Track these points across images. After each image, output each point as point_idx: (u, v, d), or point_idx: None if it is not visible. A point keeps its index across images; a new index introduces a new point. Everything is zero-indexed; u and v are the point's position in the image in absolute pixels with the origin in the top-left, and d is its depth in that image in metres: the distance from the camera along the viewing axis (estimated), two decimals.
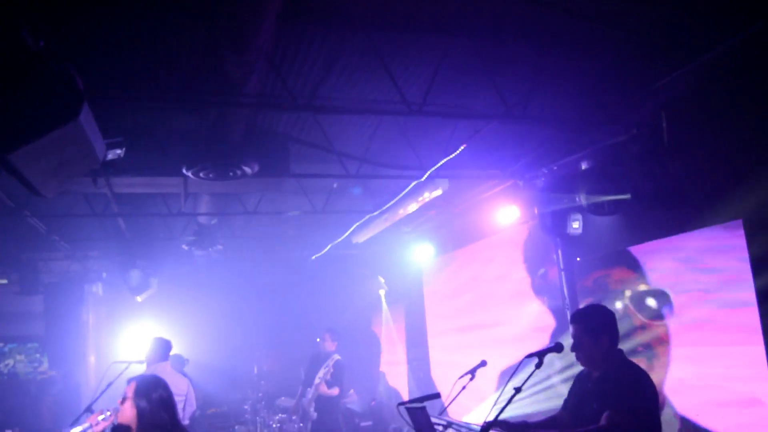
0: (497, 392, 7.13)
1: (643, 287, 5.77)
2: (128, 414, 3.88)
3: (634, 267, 5.85)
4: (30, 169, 3.44)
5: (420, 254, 9.70)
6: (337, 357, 8.29)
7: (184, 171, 5.73)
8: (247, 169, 5.73)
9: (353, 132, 6.47)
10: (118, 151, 5.47)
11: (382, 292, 11.82)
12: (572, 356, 3.74)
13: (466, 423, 3.98)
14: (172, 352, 7.25)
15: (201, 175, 5.74)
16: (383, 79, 4.90)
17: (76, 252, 9.85)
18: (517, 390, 3.34)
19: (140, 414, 3.83)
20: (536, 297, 7.44)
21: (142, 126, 5.75)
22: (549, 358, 3.55)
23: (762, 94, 4.45)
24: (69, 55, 3.57)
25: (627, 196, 5.84)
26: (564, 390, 4.15)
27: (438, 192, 6.93)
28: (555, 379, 6.53)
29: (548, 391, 6.59)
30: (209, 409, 11.21)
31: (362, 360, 12.31)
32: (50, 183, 3.74)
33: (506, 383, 3.50)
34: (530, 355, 3.50)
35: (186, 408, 6.65)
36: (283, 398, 9.94)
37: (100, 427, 4.12)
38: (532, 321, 7.40)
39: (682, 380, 5.23)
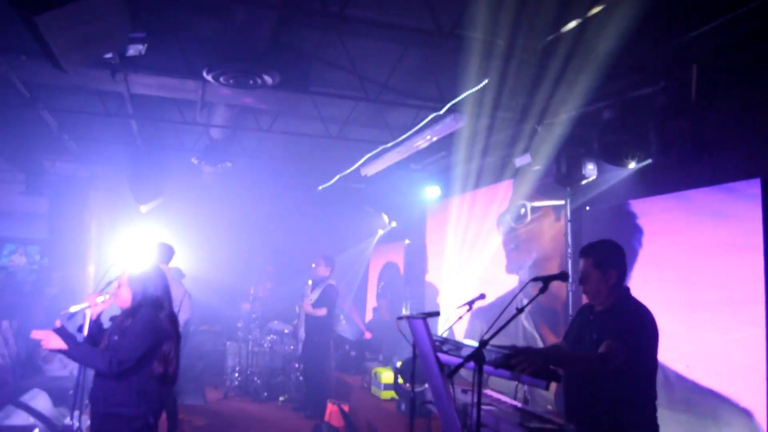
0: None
1: None
2: (125, 297, 3.96)
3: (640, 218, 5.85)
4: (55, 36, 3.40)
5: (426, 194, 9.71)
6: (330, 282, 8.39)
7: (204, 74, 5.66)
8: (268, 79, 5.66)
9: (378, 58, 6.37)
10: (140, 47, 5.41)
11: (381, 231, 11.86)
12: None
13: (462, 342, 4.03)
14: (171, 265, 7.34)
15: (221, 80, 5.67)
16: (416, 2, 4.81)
17: (84, 155, 9.82)
18: (520, 310, 3.38)
19: (134, 297, 3.92)
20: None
21: (165, 28, 5.66)
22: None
23: None
24: None
25: (648, 162, 5.77)
26: None
27: (454, 128, 6.87)
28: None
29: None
30: (202, 326, 11.36)
31: (359, 294, 12.45)
32: (72, 55, 3.71)
33: (507, 304, 3.53)
34: (536, 279, 3.51)
35: (180, 315, 6.75)
36: (276, 322, 10.06)
37: (98, 308, 4.17)
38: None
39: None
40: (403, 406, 6.57)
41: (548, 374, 3.34)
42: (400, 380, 6.77)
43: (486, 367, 3.32)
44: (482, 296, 5.00)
